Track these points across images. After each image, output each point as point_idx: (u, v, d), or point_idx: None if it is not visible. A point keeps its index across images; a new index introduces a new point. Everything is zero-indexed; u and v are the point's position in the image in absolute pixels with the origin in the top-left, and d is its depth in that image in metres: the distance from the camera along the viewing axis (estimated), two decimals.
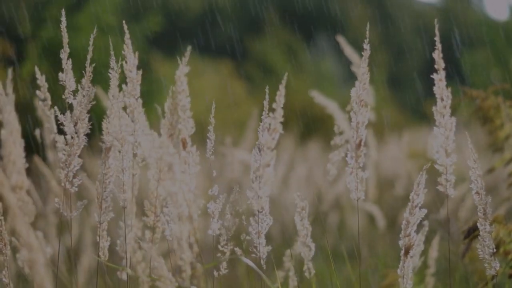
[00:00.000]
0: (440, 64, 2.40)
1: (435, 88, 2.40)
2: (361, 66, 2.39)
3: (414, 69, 20.47)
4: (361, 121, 2.40)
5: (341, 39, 4.29)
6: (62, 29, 2.37)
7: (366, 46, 2.38)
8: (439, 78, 2.40)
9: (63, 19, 2.38)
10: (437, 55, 2.39)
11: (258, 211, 2.32)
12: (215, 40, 19.42)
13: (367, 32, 2.38)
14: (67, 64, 2.38)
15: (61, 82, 2.37)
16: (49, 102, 2.52)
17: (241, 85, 15.16)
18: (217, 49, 17.40)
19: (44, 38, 8.89)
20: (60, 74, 2.36)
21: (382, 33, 21.70)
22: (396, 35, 23.00)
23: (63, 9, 2.43)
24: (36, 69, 2.52)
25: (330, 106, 3.91)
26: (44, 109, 2.52)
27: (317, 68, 19.12)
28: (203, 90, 12.97)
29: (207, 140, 2.37)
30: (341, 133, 3.02)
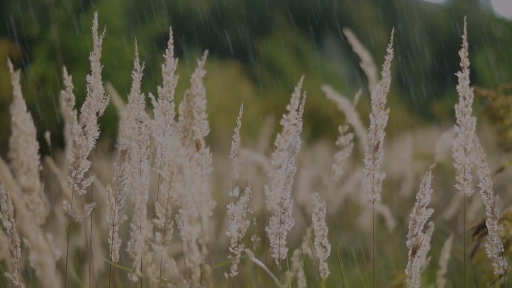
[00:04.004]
0: (465, 62, 2.38)
1: (458, 87, 2.37)
2: (383, 69, 2.39)
3: (421, 70, 20.42)
4: (380, 124, 2.40)
5: (349, 34, 4.26)
6: (93, 32, 2.37)
7: (390, 50, 2.38)
8: (463, 76, 2.38)
9: (95, 22, 2.38)
10: (463, 53, 2.37)
11: (281, 212, 2.32)
12: (222, 41, 19.42)
13: (391, 37, 2.38)
14: (95, 66, 2.38)
15: (88, 85, 2.36)
16: (73, 103, 2.52)
17: (249, 86, 15.14)
18: (225, 50, 17.39)
19: (52, 41, 8.90)
20: (88, 76, 2.35)
21: (389, 33, 21.65)
22: (404, 35, 22.95)
23: (96, 12, 2.43)
24: (64, 69, 2.52)
25: (342, 102, 3.91)
26: (68, 109, 2.52)
27: (325, 68, 19.10)
28: (210, 91, 12.95)
29: (231, 142, 2.36)
30: (346, 133, 3.01)
